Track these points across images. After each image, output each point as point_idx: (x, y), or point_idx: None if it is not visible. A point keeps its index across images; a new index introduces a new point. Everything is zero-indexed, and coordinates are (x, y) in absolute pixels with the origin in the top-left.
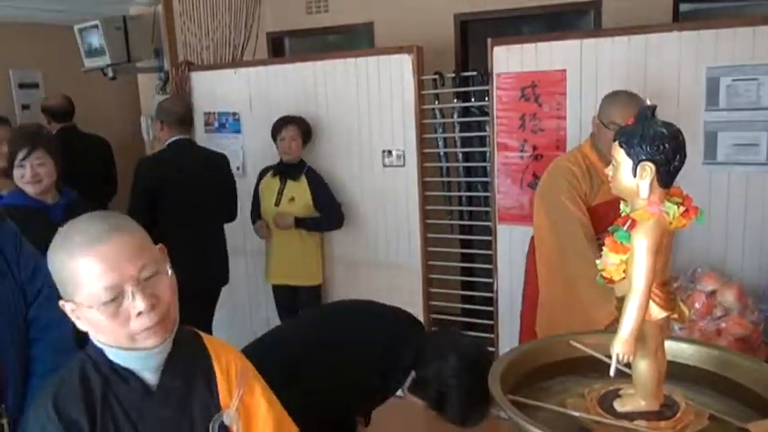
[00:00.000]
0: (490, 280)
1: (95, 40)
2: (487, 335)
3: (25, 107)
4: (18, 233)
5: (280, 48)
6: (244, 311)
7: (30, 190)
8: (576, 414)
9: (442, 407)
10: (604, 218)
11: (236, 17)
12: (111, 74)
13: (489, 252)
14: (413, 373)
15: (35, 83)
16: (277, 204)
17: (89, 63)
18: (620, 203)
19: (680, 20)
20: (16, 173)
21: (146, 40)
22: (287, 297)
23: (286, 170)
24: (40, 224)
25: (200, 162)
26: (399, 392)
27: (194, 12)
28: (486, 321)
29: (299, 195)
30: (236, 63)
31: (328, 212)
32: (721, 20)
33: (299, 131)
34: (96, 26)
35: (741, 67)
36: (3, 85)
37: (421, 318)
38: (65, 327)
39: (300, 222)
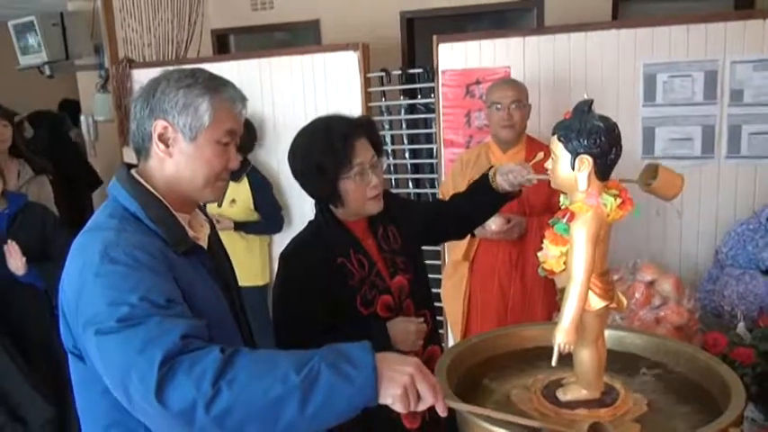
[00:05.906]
0: (439, 276)
1: (31, 36)
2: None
3: None
4: None
5: (225, 45)
6: None
7: None
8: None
9: None
10: None
11: (178, 13)
12: (48, 72)
13: (438, 249)
14: None
15: None
16: (219, 205)
17: (24, 61)
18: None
19: (618, 18)
20: None
21: (85, 37)
22: None
23: None
24: None
25: None
26: None
27: (134, 7)
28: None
29: (239, 198)
30: (179, 60)
31: (268, 217)
32: (657, 18)
33: None
34: (32, 22)
35: (676, 64)
36: None
37: None
38: None
39: (240, 226)
